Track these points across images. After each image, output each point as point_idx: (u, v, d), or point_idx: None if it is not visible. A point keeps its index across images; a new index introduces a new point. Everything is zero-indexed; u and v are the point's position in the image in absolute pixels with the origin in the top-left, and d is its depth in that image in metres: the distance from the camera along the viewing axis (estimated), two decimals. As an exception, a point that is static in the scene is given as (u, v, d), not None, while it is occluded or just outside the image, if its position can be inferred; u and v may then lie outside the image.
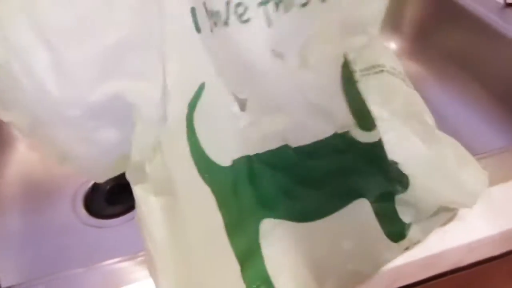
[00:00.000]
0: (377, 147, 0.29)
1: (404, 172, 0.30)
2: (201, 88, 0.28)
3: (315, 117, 0.28)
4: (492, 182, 0.40)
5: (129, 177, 0.29)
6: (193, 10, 0.27)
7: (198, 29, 0.27)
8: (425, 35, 0.70)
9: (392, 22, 0.72)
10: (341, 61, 0.28)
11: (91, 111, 0.26)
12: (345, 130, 0.28)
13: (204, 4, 0.27)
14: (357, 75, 0.34)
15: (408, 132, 0.32)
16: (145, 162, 0.28)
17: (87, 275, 0.34)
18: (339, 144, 0.29)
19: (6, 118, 0.26)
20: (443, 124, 0.61)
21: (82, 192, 0.56)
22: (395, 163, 0.30)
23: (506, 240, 0.38)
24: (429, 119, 0.35)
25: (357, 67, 0.35)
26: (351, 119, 0.28)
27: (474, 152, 0.51)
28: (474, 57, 0.62)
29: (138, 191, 0.29)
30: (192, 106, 0.27)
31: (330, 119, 0.28)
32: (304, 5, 0.27)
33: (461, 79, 0.65)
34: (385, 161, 0.29)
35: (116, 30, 0.26)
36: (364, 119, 0.29)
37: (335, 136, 0.28)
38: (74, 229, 0.52)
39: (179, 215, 0.27)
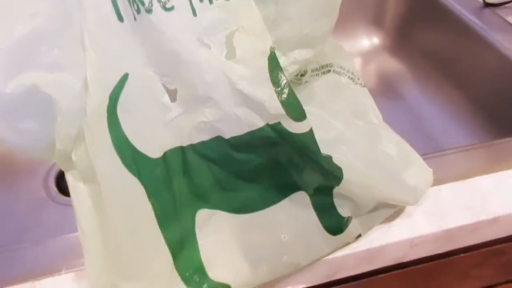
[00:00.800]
0: (309, 138, 0.30)
1: (337, 165, 0.31)
2: (124, 78, 0.27)
3: (246, 108, 0.28)
4: (444, 180, 0.41)
5: (59, 164, 0.30)
6: None
7: (120, 18, 0.27)
8: (406, 31, 0.70)
9: (375, 17, 0.72)
10: (267, 53, 0.29)
11: (7, 102, 0.26)
12: (276, 121, 0.29)
13: None
14: (307, 76, 0.35)
15: (342, 127, 0.32)
16: (70, 150, 0.29)
17: (35, 249, 0.36)
18: (272, 135, 0.29)
19: None
20: (415, 119, 0.62)
21: (55, 171, 0.57)
22: (328, 156, 0.31)
23: (451, 239, 0.39)
24: (374, 117, 0.35)
25: (308, 68, 0.36)
26: (281, 109, 0.28)
27: (439, 148, 0.52)
28: (451, 55, 0.62)
29: (69, 177, 0.30)
30: (114, 97, 0.27)
31: (260, 109, 0.28)
32: None
33: (437, 77, 0.65)
34: (317, 154, 0.30)
35: (28, 20, 0.25)
36: (294, 109, 0.29)
37: (267, 127, 0.29)
38: (44, 206, 0.53)
39: (104, 204, 0.28)
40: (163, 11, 0.27)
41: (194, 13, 0.27)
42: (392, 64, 0.71)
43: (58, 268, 0.34)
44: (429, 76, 0.66)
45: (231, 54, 0.28)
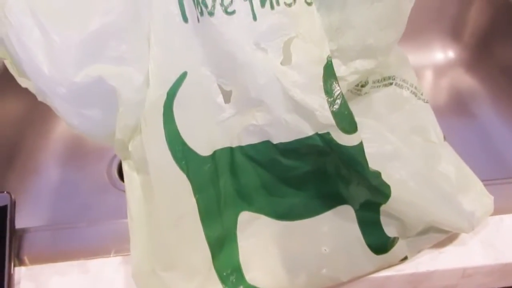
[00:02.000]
0: (358, 151, 0.29)
1: (385, 182, 0.30)
2: (183, 76, 0.28)
3: (296, 115, 0.28)
4: (509, 210, 0.38)
5: (116, 152, 0.31)
6: (180, 0, 0.28)
7: (185, 19, 0.28)
8: (486, 46, 0.66)
9: (453, 29, 0.68)
10: (324, 62, 0.29)
11: (76, 91, 0.27)
12: (326, 131, 0.28)
13: None
14: (368, 87, 0.34)
15: (398, 143, 0.31)
16: (128, 141, 0.30)
17: (90, 230, 0.38)
18: (320, 144, 0.29)
19: (22, 84, 0.29)
20: (487, 141, 0.58)
21: (118, 159, 0.60)
22: (377, 172, 0.30)
23: (509, 275, 0.36)
24: (434, 135, 0.34)
25: (370, 79, 0.35)
26: (331, 120, 0.28)
27: (510, 175, 0.48)
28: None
29: (125, 166, 0.31)
30: (171, 94, 0.28)
31: (310, 118, 0.28)
32: (290, 4, 0.28)
33: (514, 98, 0.60)
34: (364, 168, 0.29)
35: (102, 16, 0.27)
36: (345, 121, 0.29)
37: (316, 136, 0.28)
38: (104, 190, 0.56)
39: (152, 194, 0.29)
40: (224, 15, 0.27)
41: (255, 18, 0.27)
42: (467, 81, 0.67)
43: (108, 250, 0.36)
44: (507, 95, 0.61)
45: (287, 60, 0.28)
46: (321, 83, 0.28)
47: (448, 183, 0.32)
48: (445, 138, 0.36)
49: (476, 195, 0.33)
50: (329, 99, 0.28)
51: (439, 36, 0.69)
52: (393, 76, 0.35)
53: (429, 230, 0.33)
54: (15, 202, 0.38)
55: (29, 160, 0.57)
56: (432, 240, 0.34)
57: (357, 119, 0.29)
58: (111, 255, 0.36)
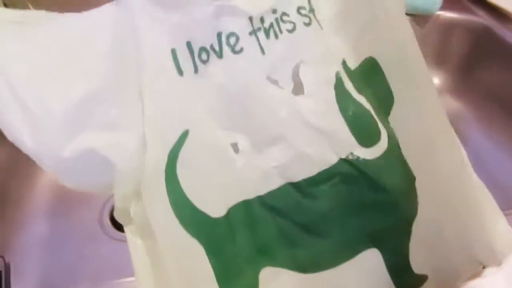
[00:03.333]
0: (384, 161, 0.29)
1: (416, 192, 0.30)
2: (185, 135, 0.26)
3: (317, 144, 0.27)
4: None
5: (117, 218, 0.29)
6: (173, 52, 0.26)
7: (180, 72, 0.26)
8: (470, 72, 0.68)
9: (437, 56, 0.70)
10: (333, 81, 0.28)
11: (65, 165, 0.25)
12: (349, 152, 0.28)
13: (189, 43, 0.26)
14: None
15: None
16: (129, 207, 0.28)
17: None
18: (345, 169, 0.28)
19: None
20: (479, 166, 0.59)
21: (110, 205, 0.57)
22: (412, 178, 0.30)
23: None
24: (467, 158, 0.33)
25: None
26: (352, 138, 0.27)
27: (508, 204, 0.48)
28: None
29: (128, 233, 0.29)
30: (173, 156, 0.26)
31: (333, 142, 0.27)
32: (291, 31, 0.27)
33: (502, 120, 0.61)
34: (393, 176, 0.29)
35: (86, 80, 0.25)
36: (365, 134, 0.28)
37: (341, 161, 0.28)
38: (97, 240, 0.53)
39: (162, 262, 0.27)
40: (232, 54, 0.26)
41: (263, 52, 0.27)
42: (453, 106, 0.68)
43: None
44: (494, 119, 0.63)
45: (298, 88, 0.27)
46: (336, 104, 0.28)
47: (480, 214, 0.32)
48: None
49: (502, 227, 0.33)
50: (346, 117, 0.28)
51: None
52: None
53: (458, 268, 0.32)
54: (9, 266, 0.35)
55: (15, 213, 0.54)
56: (458, 276, 0.33)
57: None
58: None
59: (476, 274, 0.34)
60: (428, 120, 0.32)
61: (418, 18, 0.68)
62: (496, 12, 0.65)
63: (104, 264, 0.49)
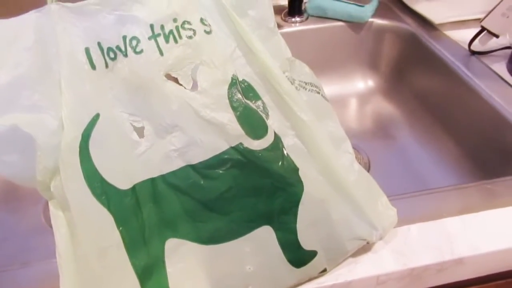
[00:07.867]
0: (272, 151, 0.34)
1: (300, 179, 0.34)
2: (96, 118, 0.31)
3: (209, 133, 0.32)
4: (415, 220, 0.42)
5: (41, 193, 0.33)
6: (87, 50, 0.31)
7: (93, 67, 0.31)
8: (399, 76, 0.73)
9: (371, 61, 0.75)
10: (228, 82, 0.33)
11: None
12: (238, 142, 0.33)
13: (99, 43, 0.32)
14: (296, 83, 0.38)
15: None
16: (49, 182, 0.32)
17: (24, 271, 0.38)
18: (235, 157, 0.33)
19: None
20: (405, 159, 0.64)
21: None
22: (294, 168, 0.34)
23: (418, 278, 0.40)
24: (350, 149, 0.38)
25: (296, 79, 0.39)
26: (241, 130, 0.33)
27: (426, 187, 0.53)
28: (439, 100, 0.65)
29: (51, 206, 0.33)
30: (86, 134, 0.31)
31: (223, 133, 0.32)
32: (191, 37, 0.33)
33: (426, 119, 0.67)
34: (279, 166, 0.34)
35: (12, 69, 0.29)
36: (254, 128, 0.33)
37: (230, 149, 0.33)
38: (42, 231, 0.56)
39: (76, 231, 0.31)
40: (134, 54, 0.32)
41: (161, 53, 0.32)
42: (386, 106, 0.73)
43: (42, 289, 0.37)
44: (419, 118, 0.68)
45: (195, 85, 0.32)
46: (227, 101, 0.33)
47: (362, 195, 0.36)
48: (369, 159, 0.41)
49: (383, 207, 0.38)
50: (236, 113, 0.33)
51: (359, 67, 0.76)
52: (318, 87, 0.40)
53: (344, 241, 0.36)
54: None
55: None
56: (349, 251, 0.37)
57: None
58: (45, 294, 0.37)
59: (363, 249, 0.39)
60: (298, 122, 0.36)
61: (353, 25, 0.73)
62: (422, 20, 0.71)
63: (46, 252, 0.52)
